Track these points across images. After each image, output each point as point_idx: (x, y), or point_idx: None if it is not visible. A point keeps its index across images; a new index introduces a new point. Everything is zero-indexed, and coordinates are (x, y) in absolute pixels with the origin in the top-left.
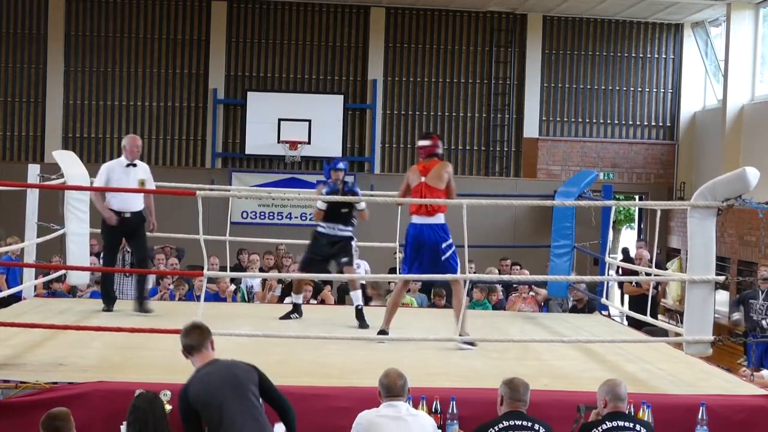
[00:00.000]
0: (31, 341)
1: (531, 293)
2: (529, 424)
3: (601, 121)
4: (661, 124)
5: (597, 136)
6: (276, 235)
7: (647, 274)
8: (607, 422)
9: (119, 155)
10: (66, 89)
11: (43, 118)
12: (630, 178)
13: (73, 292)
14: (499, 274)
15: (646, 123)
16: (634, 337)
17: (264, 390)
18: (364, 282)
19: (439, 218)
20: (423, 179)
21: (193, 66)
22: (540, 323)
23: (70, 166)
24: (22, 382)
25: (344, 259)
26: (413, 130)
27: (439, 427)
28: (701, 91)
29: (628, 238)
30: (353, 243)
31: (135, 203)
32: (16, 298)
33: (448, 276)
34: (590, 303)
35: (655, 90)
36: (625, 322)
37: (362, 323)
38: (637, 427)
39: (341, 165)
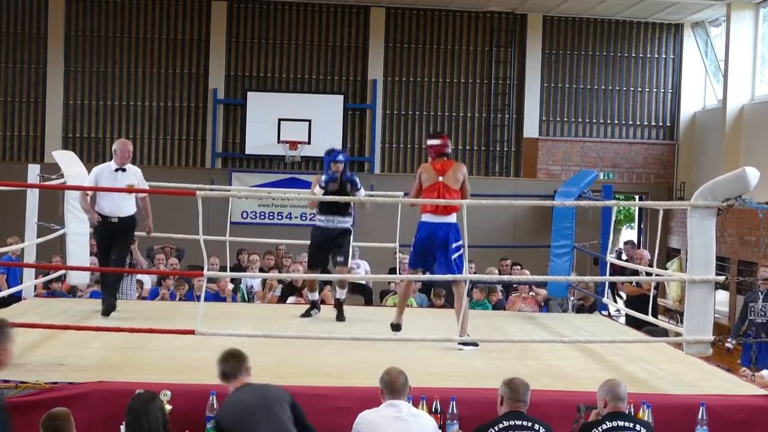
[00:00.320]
0: (30, 341)
1: (531, 293)
2: (529, 425)
3: (601, 121)
4: (661, 124)
5: (597, 136)
6: (276, 235)
7: (647, 274)
8: (607, 422)
9: None
10: (66, 89)
11: (43, 118)
12: (630, 178)
13: (73, 292)
14: (499, 274)
15: (646, 123)
16: (634, 337)
17: (293, 417)
18: (363, 282)
19: (453, 218)
20: (441, 179)
21: (193, 66)
22: (540, 323)
23: (70, 166)
24: (22, 382)
25: (339, 259)
26: (413, 130)
27: (439, 427)
28: (701, 91)
29: (628, 238)
30: (351, 240)
31: (124, 208)
32: (16, 298)
33: (448, 276)
34: (596, 303)
35: (655, 90)
36: (622, 320)
37: (340, 316)
38: (637, 427)
39: (341, 157)
